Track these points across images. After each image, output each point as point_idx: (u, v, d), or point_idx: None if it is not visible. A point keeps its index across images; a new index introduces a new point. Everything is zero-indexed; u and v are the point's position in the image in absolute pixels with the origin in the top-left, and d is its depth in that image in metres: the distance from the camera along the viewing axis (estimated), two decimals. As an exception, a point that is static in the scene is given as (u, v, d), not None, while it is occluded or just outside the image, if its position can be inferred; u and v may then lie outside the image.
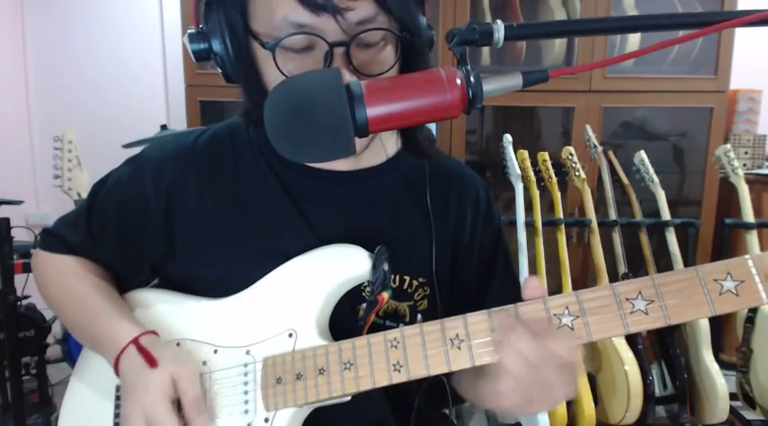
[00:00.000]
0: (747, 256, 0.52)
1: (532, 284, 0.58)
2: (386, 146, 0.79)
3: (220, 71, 0.68)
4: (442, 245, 0.78)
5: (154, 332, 0.70)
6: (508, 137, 2.06)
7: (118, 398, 0.74)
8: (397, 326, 0.67)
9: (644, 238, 2.16)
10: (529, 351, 0.53)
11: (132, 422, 0.63)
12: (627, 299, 0.54)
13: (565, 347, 0.53)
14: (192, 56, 0.66)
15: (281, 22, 0.61)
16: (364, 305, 0.73)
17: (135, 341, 0.67)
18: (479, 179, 0.86)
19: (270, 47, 0.62)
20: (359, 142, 0.68)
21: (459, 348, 0.58)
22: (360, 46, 0.63)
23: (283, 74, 0.63)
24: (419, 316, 0.76)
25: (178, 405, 0.64)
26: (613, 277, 2.08)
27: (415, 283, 0.76)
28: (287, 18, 0.60)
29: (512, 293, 0.84)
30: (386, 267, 0.66)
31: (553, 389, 0.55)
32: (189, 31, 0.66)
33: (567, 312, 0.55)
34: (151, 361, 0.65)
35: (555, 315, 0.56)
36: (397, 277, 0.75)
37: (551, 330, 0.55)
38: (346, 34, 0.61)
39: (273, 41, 0.62)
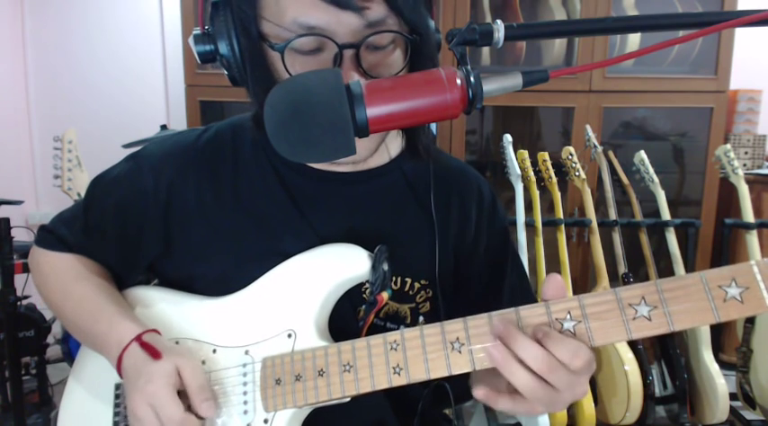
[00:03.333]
0: (752, 262, 0.51)
1: (555, 283, 0.56)
2: (389, 147, 0.79)
3: (226, 73, 0.67)
4: (445, 247, 0.78)
5: (156, 331, 0.70)
6: (508, 137, 2.06)
7: (117, 397, 0.74)
8: (398, 329, 0.67)
9: (644, 238, 2.16)
10: (534, 363, 0.52)
11: (138, 414, 0.62)
12: (630, 305, 0.53)
13: (571, 353, 0.52)
14: (197, 57, 0.66)
15: (291, 23, 0.60)
16: (364, 307, 0.73)
17: (138, 339, 0.67)
18: (483, 178, 0.86)
19: (278, 48, 0.62)
20: (366, 147, 0.68)
21: (459, 352, 0.58)
22: (369, 48, 0.62)
23: (291, 75, 0.62)
24: (420, 319, 0.76)
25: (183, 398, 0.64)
26: (613, 277, 2.08)
27: (416, 285, 0.76)
28: (296, 20, 0.60)
29: (523, 294, 0.84)
30: (386, 267, 0.66)
31: (561, 394, 0.54)
32: (194, 32, 0.65)
33: (569, 316, 0.55)
34: (155, 353, 0.65)
35: (557, 319, 0.55)
36: (399, 279, 0.74)
37: (555, 335, 0.53)
38: (356, 36, 0.60)
39: (282, 43, 0.61)
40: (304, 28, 0.60)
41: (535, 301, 0.58)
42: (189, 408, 0.63)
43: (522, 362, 0.53)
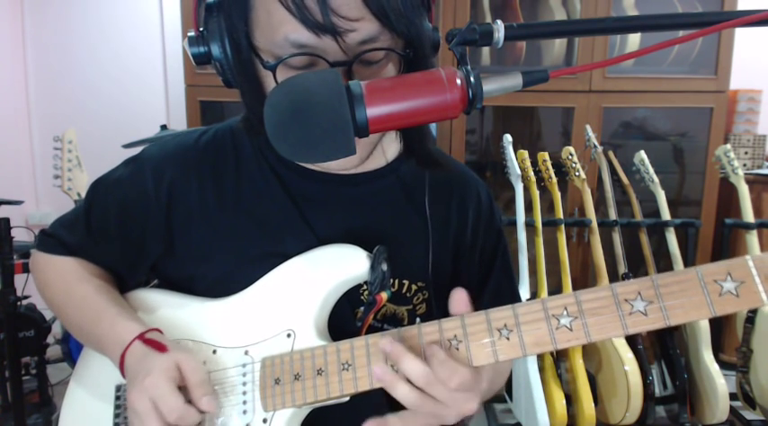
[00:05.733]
0: (748, 256, 0.51)
1: (459, 301, 0.60)
2: (386, 150, 0.79)
3: (220, 77, 0.67)
4: (443, 249, 0.78)
5: (158, 330, 0.70)
6: (508, 137, 2.06)
7: (118, 398, 0.74)
8: None
9: (644, 238, 2.16)
10: (414, 377, 0.56)
11: (137, 407, 0.61)
12: (626, 300, 0.54)
13: (449, 372, 0.56)
14: (191, 59, 0.66)
15: (283, 40, 0.60)
16: (363, 308, 0.73)
17: (141, 337, 0.67)
18: (481, 180, 0.86)
19: (270, 67, 0.61)
20: (362, 148, 0.68)
21: (457, 349, 0.58)
22: (362, 63, 0.62)
23: (290, 76, 0.62)
24: (418, 320, 0.76)
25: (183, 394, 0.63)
26: (613, 277, 2.08)
27: (414, 287, 0.76)
28: (288, 37, 0.59)
29: (508, 294, 0.84)
30: (384, 267, 0.66)
31: (446, 408, 0.57)
32: (189, 34, 0.65)
33: (565, 312, 0.55)
34: (160, 347, 0.65)
35: (553, 315, 0.56)
36: (396, 281, 0.75)
37: (439, 355, 0.56)
38: (348, 54, 0.60)
39: (274, 61, 0.61)
40: (296, 46, 0.60)
41: (519, 301, 0.58)
42: (188, 402, 0.62)
43: (404, 377, 0.57)
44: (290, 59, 0.61)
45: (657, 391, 2.06)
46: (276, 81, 0.62)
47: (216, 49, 0.64)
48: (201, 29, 0.65)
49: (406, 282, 0.75)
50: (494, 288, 0.83)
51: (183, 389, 0.63)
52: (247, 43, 0.63)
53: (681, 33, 0.52)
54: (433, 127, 2.40)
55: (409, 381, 0.57)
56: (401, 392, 0.57)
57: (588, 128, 2.22)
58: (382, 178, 0.78)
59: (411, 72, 0.64)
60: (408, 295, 0.76)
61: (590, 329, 0.54)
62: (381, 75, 0.64)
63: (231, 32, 0.63)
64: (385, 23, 0.60)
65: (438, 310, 0.76)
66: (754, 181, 2.47)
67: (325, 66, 0.60)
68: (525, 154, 2.04)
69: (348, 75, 0.61)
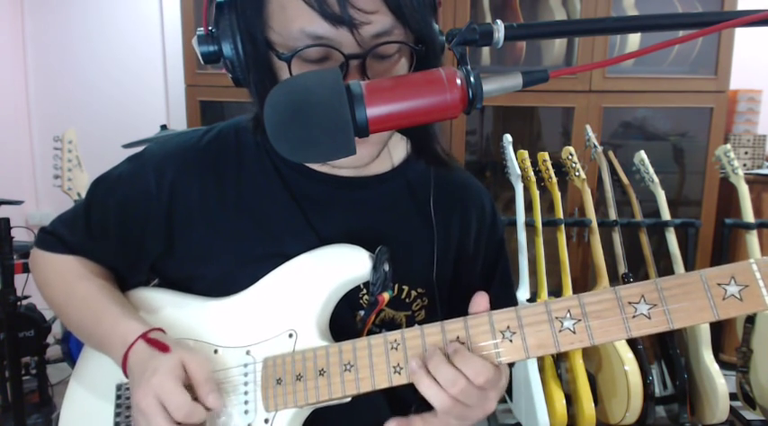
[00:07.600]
0: (752, 260, 0.51)
1: (478, 303, 0.61)
2: (392, 154, 0.79)
3: (230, 75, 0.67)
4: (445, 257, 0.78)
5: (160, 330, 0.70)
6: (508, 137, 2.06)
7: (119, 397, 0.74)
8: None
9: (644, 238, 2.16)
10: (447, 384, 0.56)
11: (142, 406, 0.61)
12: (629, 303, 0.54)
13: (475, 372, 0.56)
14: (200, 58, 0.66)
15: (298, 33, 0.60)
16: (362, 312, 0.73)
17: (144, 336, 0.67)
18: (486, 191, 0.86)
19: (285, 58, 0.61)
20: (368, 153, 0.68)
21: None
22: (375, 57, 0.62)
23: (291, 76, 0.62)
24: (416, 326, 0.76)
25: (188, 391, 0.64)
26: (613, 277, 2.08)
27: (413, 293, 0.76)
28: (304, 29, 0.60)
29: (506, 305, 0.85)
30: (386, 267, 0.66)
31: (472, 409, 0.58)
32: (198, 32, 0.65)
33: (568, 315, 0.55)
34: (163, 348, 0.65)
35: (557, 317, 0.56)
36: (396, 286, 0.74)
37: (464, 353, 0.57)
38: (362, 47, 0.60)
39: (289, 53, 0.61)
40: (311, 38, 0.60)
41: None
42: (195, 400, 0.63)
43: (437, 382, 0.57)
44: (305, 52, 0.61)
45: (657, 391, 2.06)
46: (291, 74, 0.62)
47: (227, 47, 0.64)
48: (211, 28, 0.65)
49: (405, 288, 0.75)
50: (492, 301, 0.82)
51: (188, 388, 0.63)
52: (262, 39, 0.63)
53: (681, 33, 0.52)
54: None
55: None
56: (432, 392, 0.57)
57: (588, 128, 2.22)
58: (388, 182, 0.78)
59: (422, 68, 0.64)
60: (408, 300, 0.76)
61: (593, 332, 0.54)
62: (394, 70, 0.64)
63: (245, 28, 0.63)
64: (399, 17, 0.60)
65: (441, 315, 0.76)
66: (754, 181, 2.47)
67: (339, 59, 0.61)
68: (525, 154, 2.04)
69: (362, 68, 0.61)
